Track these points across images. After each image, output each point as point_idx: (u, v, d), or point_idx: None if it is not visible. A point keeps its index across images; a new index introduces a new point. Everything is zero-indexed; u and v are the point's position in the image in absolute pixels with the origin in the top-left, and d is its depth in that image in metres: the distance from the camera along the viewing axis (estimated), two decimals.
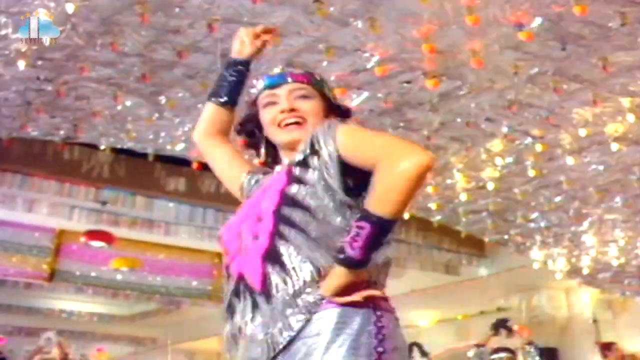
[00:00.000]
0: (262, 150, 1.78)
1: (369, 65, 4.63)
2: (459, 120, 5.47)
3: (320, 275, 1.45)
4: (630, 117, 5.28)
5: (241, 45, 1.90)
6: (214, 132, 1.90)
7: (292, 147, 1.68)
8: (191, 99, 5.00)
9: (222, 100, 1.90)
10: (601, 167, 6.27)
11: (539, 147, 5.88)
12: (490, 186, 6.66)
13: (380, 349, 1.40)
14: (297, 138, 1.66)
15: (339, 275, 1.43)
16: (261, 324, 1.47)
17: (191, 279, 10.24)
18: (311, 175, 1.53)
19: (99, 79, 4.82)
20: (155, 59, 4.57)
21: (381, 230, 1.41)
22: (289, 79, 1.71)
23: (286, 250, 1.47)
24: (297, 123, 1.67)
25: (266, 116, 1.71)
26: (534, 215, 7.47)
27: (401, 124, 5.53)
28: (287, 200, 1.51)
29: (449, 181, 6.73)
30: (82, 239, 8.53)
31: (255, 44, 1.89)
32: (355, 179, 1.51)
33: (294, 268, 1.46)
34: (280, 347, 1.44)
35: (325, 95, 1.73)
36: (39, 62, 4.56)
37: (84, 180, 6.76)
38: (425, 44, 4.28)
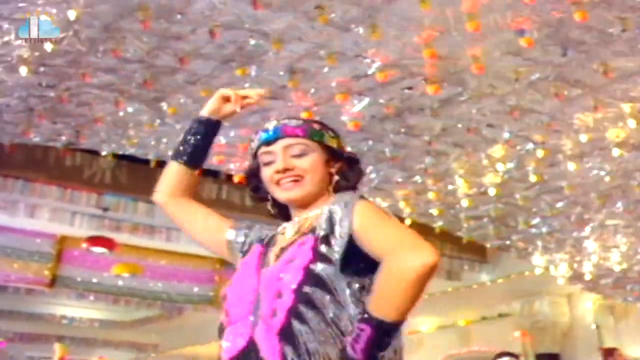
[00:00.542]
0: (269, 205, 1.73)
1: (370, 71, 4.63)
2: (460, 126, 5.47)
3: None
4: (632, 123, 5.27)
5: (218, 105, 1.79)
6: (180, 194, 1.80)
7: (296, 205, 1.65)
8: (193, 105, 5.00)
9: (187, 161, 1.79)
10: (602, 173, 6.27)
11: (540, 153, 5.87)
12: (492, 192, 6.66)
13: None
14: (294, 197, 1.63)
15: None
16: None
17: (192, 284, 10.24)
18: (333, 255, 1.48)
19: (101, 85, 4.83)
20: (157, 65, 4.58)
21: (382, 333, 1.36)
22: (283, 134, 1.64)
23: (301, 332, 1.42)
24: (294, 181, 1.62)
25: (265, 174, 1.67)
26: (536, 220, 7.46)
27: (402, 130, 5.53)
28: (311, 278, 1.45)
29: (450, 187, 6.72)
30: (84, 245, 8.54)
31: (237, 108, 1.77)
32: (366, 260, 1.46)
33: (307, 351, 1.40)
34: None
35: (327, 145, 1.66)
36: (41, 69, 4.57)
37: (85, 186, 6.76)
38: (426, 50, 4.29)
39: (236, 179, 6.23)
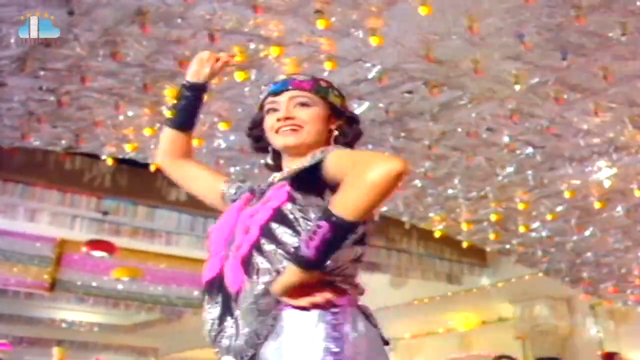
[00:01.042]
0: (269, 157, 1.80)
1: (370, 75, 4.64)
2: (460, 129, 5.47)
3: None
4: (631, 127, 5.28)
5: (200, 67, 1.91)
6: (177, 155, 1.92)
7: (290, 153, 1.70)
8: None
9: (179, 124, 1.92)
10: (602, 177, 6.27)
11: (540, 157, 5.88)
12: (492, 196, 6.66)
13: (335, 349, 1.39)
14: (291, 144, 1.68)
15: (290, 274, 1.43)
16: (230, 328, 1.51)
17: (192, 288, 10.23)
18: (306, 198, 1.53)
19: (101, 89, 4.84)
20: (157, 69, 4.58)
21: (339, 231, 1.38)
22: (290, 86, 1.72)
23: (259, 262, 1.49)
24: (292, 130, 1.68)
25: (267, 123, 1.74)
26: (536, 224, 7.46)
27: (402, 134, 5.54)
28: (278, 216, 1.51)
29: (450, 191, 6.73)
30: (84, 249, 8.54)
31: (214, 67, 1.91)
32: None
33: (258, 271, 1.48)
34: (248, 354, 1.47)
35: (330, 102, 1.73)
36: (41, 72, 4.57)
37: (85, 190, 6.76)
38: (426, 54, 4.30)
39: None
